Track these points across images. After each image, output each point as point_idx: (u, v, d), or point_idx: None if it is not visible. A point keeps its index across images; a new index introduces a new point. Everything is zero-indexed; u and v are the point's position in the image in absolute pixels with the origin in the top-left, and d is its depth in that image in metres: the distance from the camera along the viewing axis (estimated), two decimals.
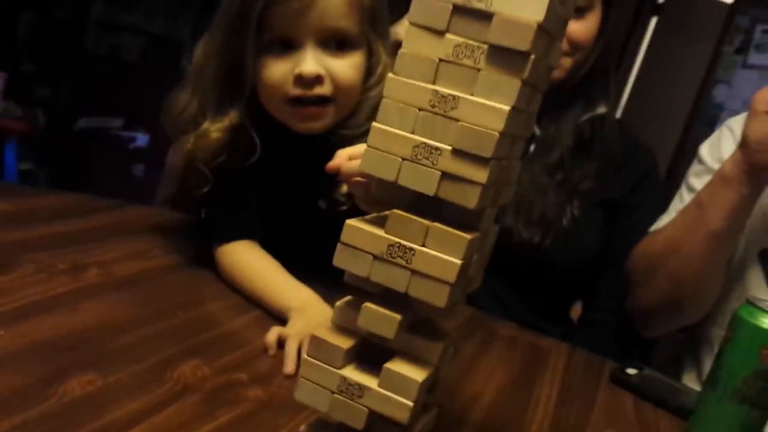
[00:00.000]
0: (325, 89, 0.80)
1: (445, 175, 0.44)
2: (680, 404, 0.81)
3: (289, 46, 0.80)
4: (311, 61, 0.78)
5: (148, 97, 3.78)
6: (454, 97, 0.44)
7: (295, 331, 0.72)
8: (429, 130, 0.44)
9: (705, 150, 1.05)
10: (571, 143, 1.04)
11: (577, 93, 1.04)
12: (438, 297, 0.45)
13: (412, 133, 0.45)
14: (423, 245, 0.45)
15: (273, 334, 0.72)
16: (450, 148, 0.44)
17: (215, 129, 0.82)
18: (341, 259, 0.48)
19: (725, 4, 3.24)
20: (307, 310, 0.77)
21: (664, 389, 0.85)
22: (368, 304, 0.47)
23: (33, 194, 1.01)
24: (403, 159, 0.45)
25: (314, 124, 0.82)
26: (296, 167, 0.89)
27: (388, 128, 0.46)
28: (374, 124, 0.46)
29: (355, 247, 0.47)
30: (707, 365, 0.98)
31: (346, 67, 0.81)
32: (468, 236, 0.44)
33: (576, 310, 1.21)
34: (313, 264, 0.86)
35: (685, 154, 2.95)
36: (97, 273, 0.79)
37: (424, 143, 0.44)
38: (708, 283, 0.97)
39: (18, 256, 0.78)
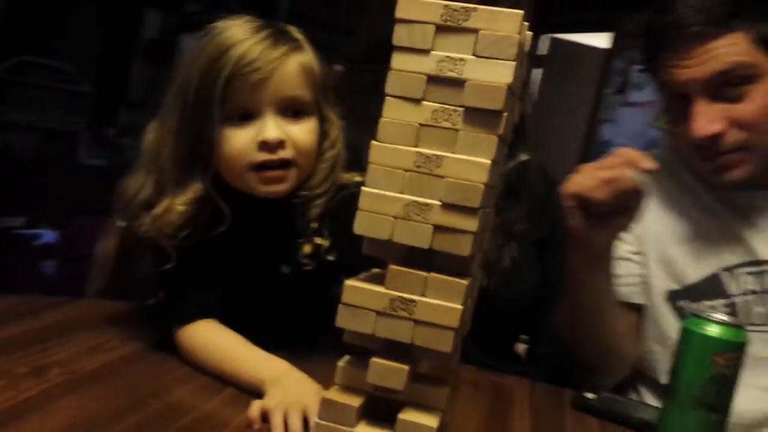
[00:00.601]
0: (287, 153, 0.83)
1: (438, 228, 0.48)
2: (642, 420, 0.86)
3: (248, 117, 0.83)
4: (273, 127, 0.82)
5: (49, 192, 3.66)
6: (437, 156, 0.48)
7: (276, 403, 0.72)
8: (417, 188, 0.48)
9: None
10: (501, 189, 1.11)
11: None
12: (443, 343, 0.47)
13: (401, 193, 0.48)
14: (423, 295, 0.48)
15: (255, 408, 0.72)
16: (439, 203, 0.47)
17: (180, 202, 0.83)
18: (344, 319, 0.50)
19: (602, 50, 3.55)
20: (282, 380, 0.77)
21: (624, 408, 0.90)
22: (376, 359, 0.49)
23: None
24: (395, 218, 0.48)
25: (278, 187, 0.85)
26: (258, 233, 0.90)
27: (377, 191, 0.49)
28: (363, 188, 0.49)
29: (357, 306, 0.49)
30: (645, 388, 1.04)
31: (303, 131, 0.85)
32: (465, 282, 0.48)
33: (519, 346, 1.26)
34: (280, 330, 0.87)
35: None
36: (60, 372, 0.76)
37: (414, 201, 0.48)
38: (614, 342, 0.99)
39: None
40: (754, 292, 0.96)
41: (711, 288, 0.98)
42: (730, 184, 0.94)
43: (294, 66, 0.84)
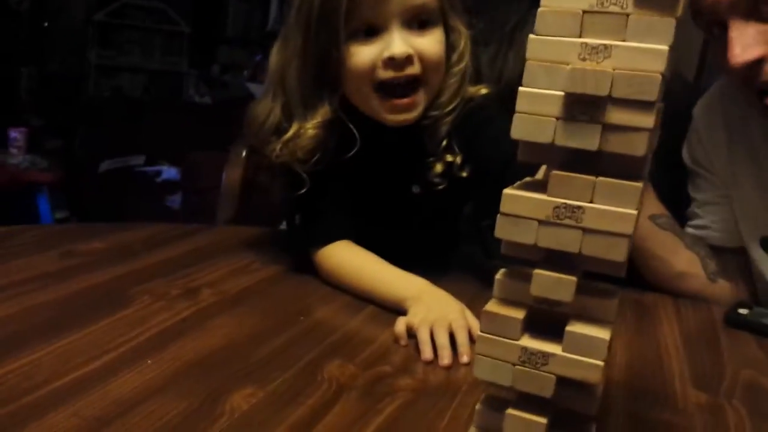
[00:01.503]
0: (415, 69, 0.80)
1: (607, 127, 0.43)
2: None
3: (373, 31, 0.80)
4: (400, 42, 0.79)
5: (163, 130, 3.84)
6: (605, 46, 0.43)
7: (420, 319, 0.72)
8: (582, 84, 0.44)
9: (684, 154, 1.05)
10: None
11: None
12: (616, 251, 0.44)
13: (565, 90, 0.44)
14: (591, 201, 0.44)
15: (401, 325, 0.72)
16: (610, 98, 0.43)
17: (310, 126, 0.82)
18: (503, 230, 0.47)
19: None
20: (423, 297, 0.77)
21: None
22: (540, 271, 0.46)
23: (120, 229, 1.01)
24: (558, 118, 0.45)
25: (407, 116, 0.83)
26: (387, 155, 0.89)
27: (537, 90, 0.45)
28: (521, 89, 0.45)
29: (517, 216, 0.46)
30: None
31: (431, 43, 0.81)
32: (639, 184, 0.44)
33: None
34: (414, 249, 0.87)
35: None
36: (211, 293, 0.80)
37: (580, 98, 0.44)
38: None
39: (130, 289, 0.78)
40: None
41: None
42: None
43: None
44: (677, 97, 1.07)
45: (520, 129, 0.46)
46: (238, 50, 4.56)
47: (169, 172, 3.16)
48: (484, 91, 0.87)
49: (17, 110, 3.78)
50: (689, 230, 1.02)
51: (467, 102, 0.86)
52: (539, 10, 0.45)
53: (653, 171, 0.98)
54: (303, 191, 0.86)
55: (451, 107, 0.84)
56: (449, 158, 0.86)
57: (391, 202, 0.91)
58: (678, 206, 1.05)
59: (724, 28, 0.80)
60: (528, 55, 0.45)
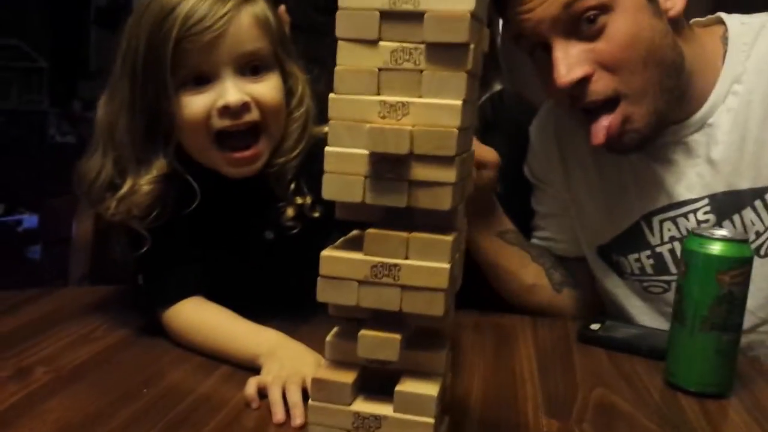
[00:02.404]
0: (253, 116, 0.78)
1: (413, 183, 0.43)
2: (651, 346, 0.84)
3: (205, 80, 0.77)
4: (234, 90, 0.76)
5: (24, 175, 3.60)
6: (403, 103, 0.43)
7: (273, 377, 0.69)
8: (383, 144, 0.43)
9: (525, 169, 1.07)
10: (478, 126, 1.06)
11: None
12: (434, 306, 0.44)
13: (368, 148, 0.43)
14: (406, 258, 0.44)
15: (252, 386, 0.69)
16: (412, 154, 0.43)
17: (145, 182, 0.77)
18: (324, 293, 0.46)
19: None
20: (277, 352, 0.74)
21: (632, 336, 0.88)
22: (365, 332, 0.45)
23: None
24: (366, 177, 0.44)
25: (250, 168, 0.80)
26: (234, 204, 0.85)
27: (342, 150, 0.44)
28: (327, 149, 0.45)
29: (337, 278, 0.45)
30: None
31: (268, 89, 0.79)
32: (449, 238, 0.43)
33: None
34: (272, 298, 0.84)
35: None
36: (45, 371, 0.73)
37: (384, 156, 0.43)
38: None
39: None
40: (676, 239, 0.88)
41: (631, 240, 0.92)
42: (623, 149, 0.84)
43: (247, 19, 0.77)
44: (520, 115, 1.11)
45: (330, 189, 0.45)
46: (101, 84, 4.36)
47: (31, 220, 2.96)
48: (327, 129, 0.86)
49: None
50: (534, 242, 1.04)
51: (313, 142, 0.85)
52: (336, 69, 0.44)
53: (502, 187, 1.02)
54: (145, 249, 0.81)
55: (296, 152, 0.82)
56: (299, 201, 0.84)
57: (244, 250, 0.88)
58: (527, 219, 1.09)
59: (547, 50, 0.81)
60: (330, 114, 0.44)
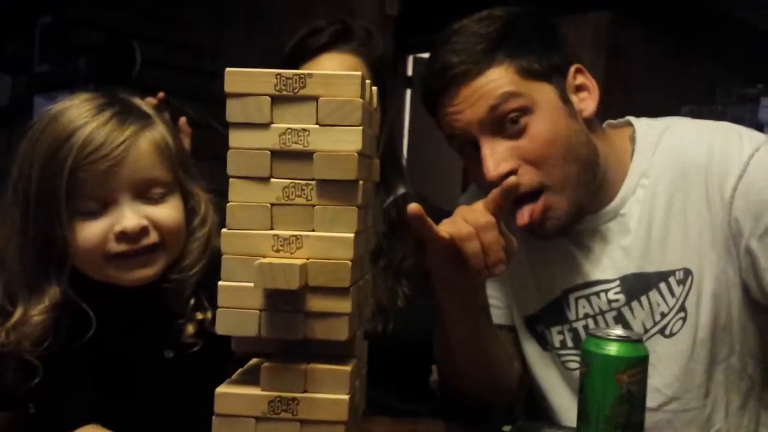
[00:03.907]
0: (152, 238, 0.76)
1: (309, 315, 0.43)
2: None
3: (101, 205, 0.75)
4: (131, 216, 0.74)
5: None
6: (296, 237, 0.43)
7: None
8: (272, 280, 0.43)
9: None
10: (384, 228, 1.08)
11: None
12: None
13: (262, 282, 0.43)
14: (305, 391, 0.43)
15: None
16: (306, 287, 0.43)
17: (36, 312, 0.73)
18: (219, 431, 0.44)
19: None
20: None
21: None
22: None
23: None
24: (261, 310, 0.44)
25: (144, 272, 0.77)
26: (131, 324, 0.82)
27: (236, 284, 0.44)
28: (221, 283, 0.44)
29: (233, 415, 0.44)
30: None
31: (167, 212, 0.77)
32: (348, 368, 0.43)
33: (433, 381, 1.23)
34: (179, 420, 0.79)
35: None
36: None
37: (278, 290, 0.43)
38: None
39: None
40: (590, 316, 0.93)
41: (554, 314, 0.96)
42: (544, 234, 0.89)
43: (146, 145, 0.76)
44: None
45: (225, 324, 0.44)
46: (2, 185, 4.18)
47: None
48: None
49: None
50: None
51: (215, 255, 0.84)
52: (228, 205, 0.44)
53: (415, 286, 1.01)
54: (36, 380, 0.76)
55: (195, 269, 0.81)
56: (200, 316, 0.82)
57: (144, 372, 0.84)
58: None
59: (476, 148, 0.86)
60: (222, 249, 0.44)
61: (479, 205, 0.79)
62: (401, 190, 1.11)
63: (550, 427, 0.95)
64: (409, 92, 3.74)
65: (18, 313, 0.74)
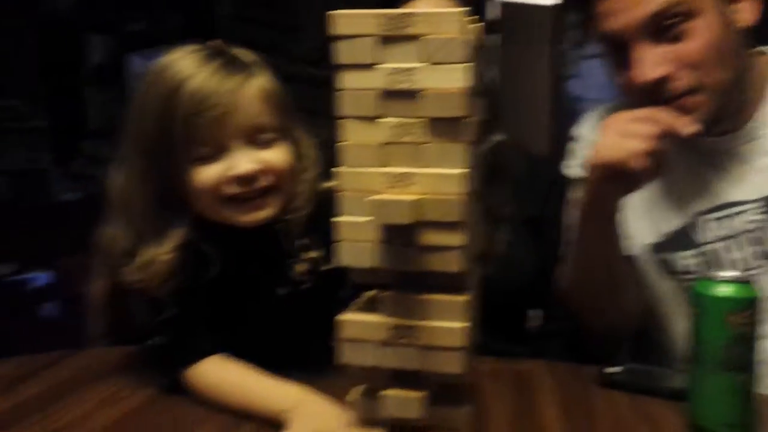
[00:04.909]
0: (265, 181, 0.80)
1: (423, 249, 0.45)
2: (671, 388, 0.83)
3: (216, 151, 0.79)
4: (245, 161, 0.78)
5: (31, 234, 3.62)
6: (407, 174, 0.45)
7: None
8: (384, 215, 0.45)
9: (568, 170, 1.08)
10: (481, 173, 1.09)
11: None
12: (453, 365, 0.46)
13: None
14: (423, 319, 0.46)
15: None
16: (419, 222, 0.45)
17: (163, 252, 0.80)
18: (344, 355, 0.48)
19: (549, 7, 3.49)
20: (302, 407, 0.75)
21: (652, 378, 0.87)
22: (387, 392, 0.47)
23: None
24: (377, 243, 0.46)
25: (259, 214, 0.82)
26: (247, 263, 0.88)
27: (352, 219, 0.46)
28: (338, 218, 0.47)
29: (356, 340, 0.47)
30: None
31: (278, 155, 0.81)
32: (464, 298, 0.46)
33: (531, 323, 1.24)
34: (292, 353, 0.85)
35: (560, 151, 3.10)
36: None
37: (392, 225, 0.45)
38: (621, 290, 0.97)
39: None
40: (723, 239, 0.92)
41: (683, 238, 0.95)
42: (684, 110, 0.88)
43: (253, 92, 0.79)
44: (521, 170, 1.13)
45: (345, 256, 0.47)
46: (101, 141, 4.41)
47: (41, 278, 2.99)
48: (333, 183, 0.89)
49: None
50: None
51: (321, 198, 0.87)
52: (340, 144, 0.46)
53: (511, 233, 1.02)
54: (166, 314, 0.83)
55: (304, 211, 0.85)
56: (310, 255, 0.87)
57: (259, 307, 0.90)
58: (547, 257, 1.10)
59: (626, 50, 0.86)
60: (337, 186, 0.47)
61: (633, 115, 0.79)
62: (498, 137, 1.10)
63: (660, 368, 0.94)
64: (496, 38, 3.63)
65: (146, 254, 0.80)
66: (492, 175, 1.08)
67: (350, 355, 0.48)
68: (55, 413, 0.80)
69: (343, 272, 0.89)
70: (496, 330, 1.09)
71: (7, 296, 3.01)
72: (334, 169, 0.48)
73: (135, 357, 1.01)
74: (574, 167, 1.08)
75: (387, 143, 0.45)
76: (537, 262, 1.11)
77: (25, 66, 4.29)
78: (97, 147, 4.39)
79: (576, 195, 1.03)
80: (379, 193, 0.46)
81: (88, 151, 4.37)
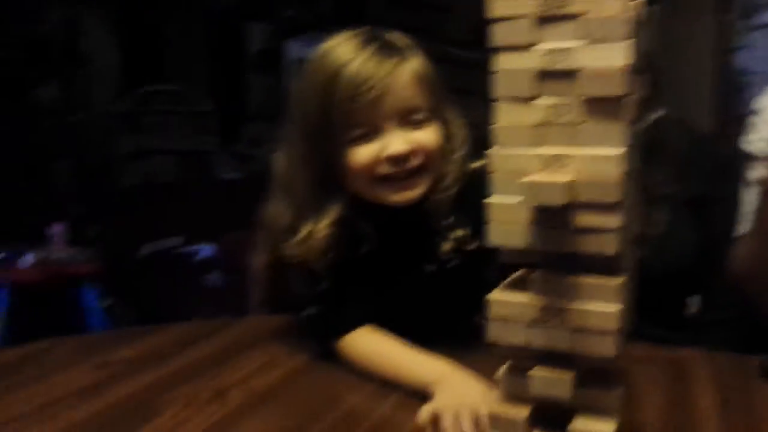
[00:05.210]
0: (417, 161, 0.83)
1: (578, 231, 0.45)
2: None
3: (371, 132, 0.83)
4: (398, 141, 0.82)
5: (196, 210, 3.90)
6: (563, 155, 0.45)
7: (444, 405, 0.73)
8: (537, 197, 0.45)
9: (749, 145, 1.02)
10: (640, 150, 1.05)
11: None
12: (605, 348, 0.45)
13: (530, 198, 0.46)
14: (574, 300, 0.46)
15: (425, 414, 0.73)
16: (573, 204, 0.45)
17: (321, 227, 0.85)
18: (494, 333, 0.49)
19: None
20: (447, 381, 0.77)
21: None
22: (536, 371, 0.48)
23: (149, 333, 1.05)
24: (528, 225, 0.46)
25: (410, 194, 0.85)
26: (397, 240, 0.91)
27: (504, 200, 0.47)
28: (490, 199, 0.48)
29: (505, 320, 0.48)
30: None
31: (429, 135, 0.84)
32: (618, 281, 0.45)
33: (690, 310, 1.18)
34: (437, 329, 0.88)
35: (729, 125, 2.86)
36: (239, 393, 0.82)
37: (545, 206, 0.45)
38: None
39: (160, 397, 0.81)
40: None
41: None
42: None
43: (407, 76, 0.83)
44: (683, 148, 1.07)
45: (497, 236, 0.48)
46: (262, 123, 4.68)
47: (206, 250, 3.24)
48: (481, 162, 0.90)
49: (56, 204, 3.92)
50: None
51: (469, 177, 0.89)
52: (495, 126, 0.47)
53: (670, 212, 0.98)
54: (321, 287, 0.89)
55: (453, 190, 0.87)
56: (457, 234, 0.88)
57: (408, 284, 0.93)
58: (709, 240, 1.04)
59: None
60: (491, 168, 0.47)
61: None
62: (660, 112, 1.05)
63: None
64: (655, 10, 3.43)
65: (306, 229, 0.86)
66: (651, 153, 1.04)
67: (499, 334, 0.48)
68: (220, 374, 0.88)
69: (489, 251, 0.90)
70: (653, 316, 1.05)
71: (176, 267, 3.30)
72: (483, 150, 0.49)
73: (292, 325, 1.09)
74: (755, 142, 1.01)
75: (542, 124, 0.45)
76: (698, 245, 1.06)
77: (193, 54, 4.64)
78: (257, 130, 4.67)
79: (758, 172, 0.97)
80: (531, 174, 0.46)
81: (249, 133, 4.65)
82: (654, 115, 1.05)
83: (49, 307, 2.87)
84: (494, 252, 0.85)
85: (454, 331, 0.92)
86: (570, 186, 0.44)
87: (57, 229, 3.12)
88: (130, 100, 4.52)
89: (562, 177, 0.44)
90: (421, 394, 0.79)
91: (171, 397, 0.81)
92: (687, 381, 0.86)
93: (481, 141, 0.95)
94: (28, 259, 2.89)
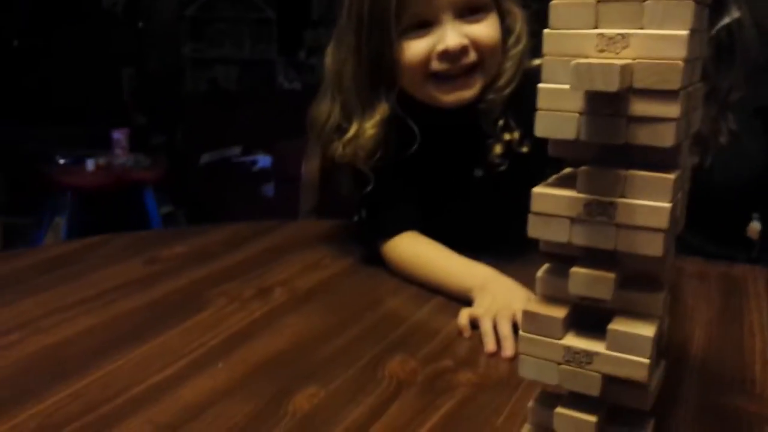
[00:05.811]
0: (471, 58, 0.80)
1: (632, 119, 0.42)
2: None
3: (425, 25, 0.80)
4: (453, 35, 0.78)
5: (257, 120, 3.95)
6: (623, 36, 0.41)
7: (484, 310, 0.72)
8: (589, 81, 0.42)
9: None
10: (711, 53, 0.97)
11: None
12: (652, 246, 0.42)
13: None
14: (623, 196, 0.43)
15: (464, 316, 0.73)
16: (630, 89, 0.41)
17: (369, 126, 0.84)
18: (535, 229, 0.47)
19: None
20: (489, 286, 0.76)
21: None
22: (577, 269, 0.45)
23: (200, 232, 1.07)
24: (580, 114, 0.43)
25: (464, 94, 0.82)
26: (446, 143, 0.89)
27: (556, 86, 0.44)
28: (541, 85, 0.44)
29: (548, 215, 0.46)
30: None
31: (486, 30, 0.80)
32: (671, 176, 0.42)
33: (753, 229, 1.13)
34: (482, 234, 0.86)
35: None
36: (282, 291, 0.84)
37: (598, 92, 0.42)
38: None
39: (207, 292, 0.83)
40: None
41: None
42: None
43: None
44: (757, 53, 0.99)
45: (544, 126, 0.45)
46: (323, 32, 4.61)
47: (264, 160, 3.28)
48: (538, 62, 0.85)
49: (121, 110, 4.01)
50: None
51: (526, 75, 0.84)
52: (551, 3, 0.43)
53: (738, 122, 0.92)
54: (368, 188, 0.87)
55: (508, 89, 0.83)
56: (508, 137, 0.85)
57: (455, 188, 0.91)
58: None
59: None
60: (544, 50, 0.44)
61: None
62: (734, 13, 0.97)
63: None
64: None
65: (353, 128, 0.84)
66: (723, 56, 0.97)
67: (541, 230, 0.46)
68: (264, 273, 0.90)
69: (541, 157, 0.86)
70: (714, 233, 1.01)
71: (235, 176, 3.35)
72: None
73: (338, 230, 1.09)
74: None
75: (602, 1, 0.41)
76: (765, 158, 1.00)
77: None
78: (318, 37, 4.61)
79: None
80: (588, 56, 0.42)
81: (310, 42, 4.59)
82: (727, 17, 0.97)
83: (110, 212, 2.98)
84: (547, 156, 0.82)
85: (503, 238, 0.91)
86: (626, 69, 0.40)
87: (119, 135, 3.20)
88: (197, 6, 4.52)
89: (618, 60, 0.40)
90: (462, 300, 0.79)
91: (216, 293, 0.83)
92: (739, 296, 0.83)
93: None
94: (91, 164, 2.98)
